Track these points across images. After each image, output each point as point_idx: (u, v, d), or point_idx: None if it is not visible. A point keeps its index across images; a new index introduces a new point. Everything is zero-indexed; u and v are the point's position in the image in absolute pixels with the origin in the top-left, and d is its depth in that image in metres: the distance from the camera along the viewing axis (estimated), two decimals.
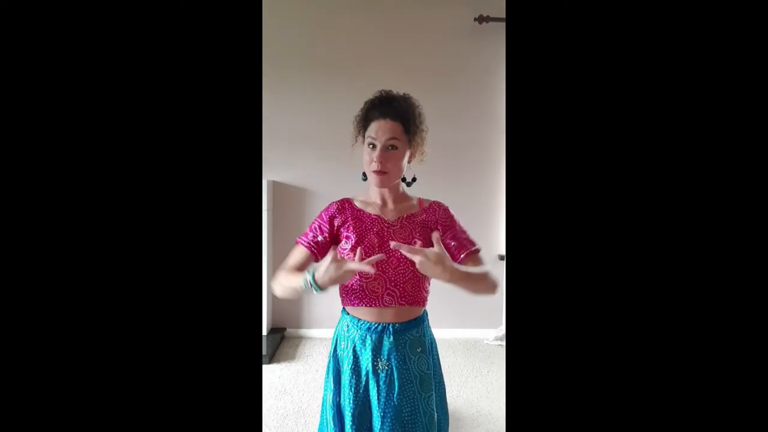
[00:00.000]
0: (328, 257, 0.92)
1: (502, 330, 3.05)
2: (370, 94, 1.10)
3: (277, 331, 3.04)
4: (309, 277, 0.93)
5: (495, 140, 3.06)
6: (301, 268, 1.05)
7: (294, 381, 2.43)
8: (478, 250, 1.08)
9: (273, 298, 3.06)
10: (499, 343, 3.02)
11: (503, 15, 2.81)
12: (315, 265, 1.01)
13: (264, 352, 2.67)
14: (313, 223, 1.11)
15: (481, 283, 0.99)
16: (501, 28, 2.93)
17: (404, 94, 1.09)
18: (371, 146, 1.03)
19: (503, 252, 3.02)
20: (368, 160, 1.04)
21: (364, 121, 1.06)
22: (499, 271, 3.02)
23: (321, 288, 0.92)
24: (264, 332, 2.92)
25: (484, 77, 3.02)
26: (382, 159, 1.02)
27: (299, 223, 3.08)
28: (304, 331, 3.12)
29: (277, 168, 3.03)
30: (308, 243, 1.08)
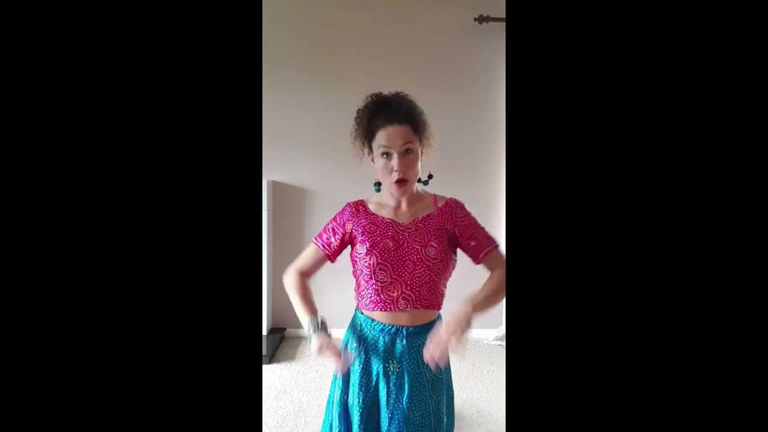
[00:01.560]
0: (327, 345, 1.00)
1: (502, 330, 3.05)
2: (370, 93, 1.07)
3: (277, 331, 3.04)
4: (312, 327, 1.03)
5: (495, 140, 3.06)
6: (314, 267, 1.13)
7: (294, 381, 2.43)
8: (497, 246, 1.08)
9: (273, 298, 3.06)
10: (499, 343, 3.02)
11: (503, 15, 2.81)
12: (321, 316, 1.06)
13: (264, 352, 2.67)
14: (329, 224, 1.12)
15: (502, 293, 1.02)
16: (501, 28, 2.93)
17: (396, 93, 1.05)
18: (385, 156, 1.00)
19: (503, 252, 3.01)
20: (386, 170, 1.01)
21: (368, 131, 1.03)
22: None
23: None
24: (264, 332, 2.91)
25: (484, 77, 3.02)
26: (403, 166, 0.99)
27: (299, 224, 3.08)
28: (304, 331, 3.11)
29: (277, 168, 3.03)
30: (323, 245, 1.11)
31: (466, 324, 0.94)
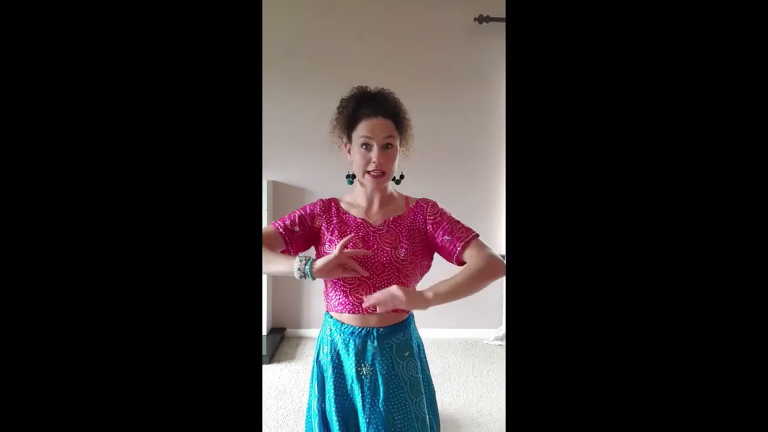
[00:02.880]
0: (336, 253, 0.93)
1: (502, 330, 3.05)
2: (356, 86, 1.06)
3: (277, 331, 3.04)
4: (304, 267, 0.94)
5: (495, 140, 3.06)
6: (265, 242, 1.03)
7: (294, 381, 2.43)
8: (475, 236, 1.03)
9: (273, 298, 3.06)
10: (499, 343, 3.01)
11: (503, 15, 2.81)
12: (304, 254, 1.01)
13: (264, 352, 2.67)
14: (295, 212, 1.08)
15: (481, 280, 0.97)
16: (501, 28, 2.93)
17: (381, 89, 1.05)
18: (365, 147, 1.00)
19: (503, 252, 3.01)
20: (363, 161, 1.00)
21: (351, 121, 1.02)
22: None
23: (314, 277, 0.95)
24: (264, 332, 2.91)
25: (484, 77, 3.02)
26: (382, 159, 0.99)
27: None
28: (304, 331, 3.11)
29: (277, 168, 3.02)
30: (283, 229, 1.05)
31: (408, 305, 0.93)
